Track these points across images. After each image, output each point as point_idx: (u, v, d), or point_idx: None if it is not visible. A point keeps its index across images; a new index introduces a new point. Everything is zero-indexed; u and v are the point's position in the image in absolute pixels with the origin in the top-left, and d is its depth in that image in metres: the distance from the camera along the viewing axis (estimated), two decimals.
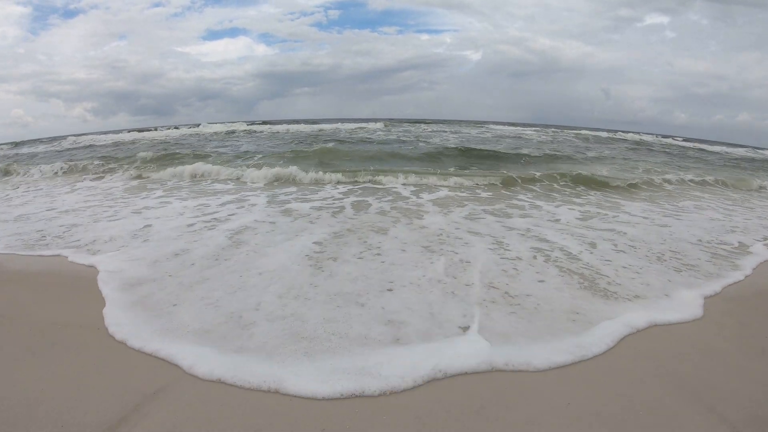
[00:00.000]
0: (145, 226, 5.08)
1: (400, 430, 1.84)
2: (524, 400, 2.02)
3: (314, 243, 4.39)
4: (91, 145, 18.43)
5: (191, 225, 5.14)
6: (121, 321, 2.78)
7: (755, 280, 3.65)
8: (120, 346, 2.48)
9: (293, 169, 8.86)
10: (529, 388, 2.11)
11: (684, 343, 2.58)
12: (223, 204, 6.50)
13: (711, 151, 21.17)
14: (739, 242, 4.86)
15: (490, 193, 7.74)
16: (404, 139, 18.35)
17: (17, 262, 3.95)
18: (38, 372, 2.23)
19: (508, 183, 8.45)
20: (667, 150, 19.94)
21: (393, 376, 2.19)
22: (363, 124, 26.65)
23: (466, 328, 2.66)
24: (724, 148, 23.68)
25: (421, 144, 16.05)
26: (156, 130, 25.95)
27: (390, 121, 29.72)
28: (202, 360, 2.32)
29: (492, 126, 29.37)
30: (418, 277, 3.47)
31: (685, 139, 27.89)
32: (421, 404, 2.00)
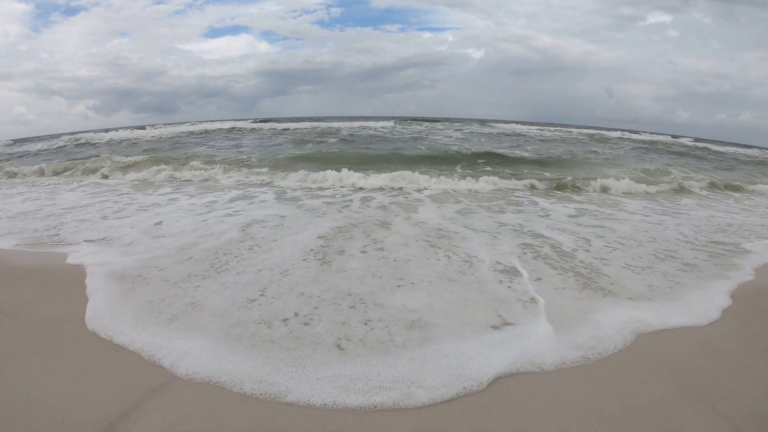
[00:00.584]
0: (156, 223, 5.11)
1: (404, 417, 1.84)
2: (528, 398, 2.02)
3: (319, 237, 4.45)
4: (80, 143, 17.77)
5: (205, 221, 5.19)
6: (103, 315, 2.78)
7: (759, 280, 3.64)
8: (120, 343, 2.47)
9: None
10: (533, 386, 2.11)
11: (687, 342, 2.57)
12: (232, 200, 6.60)
13: (718, 151, 20.69)
14: (740, 242, 4.84)
15: (493, 187, 7.90)
16: (414, 137, 17.71)
17: (20, 258, 3.94)
18: (39, 369, 2.23)
19: (535, 188, 8.25)
20: (686, 151, 19.13)
21: (438, 385, 2.09)
22: (371, 123, 25.72)
23: (496, 327, 2.65)
24: (736, 149, 23.17)
25: (437, 145, 15.18)
26: (153, 127, 25.70)
27: (398, 120, 29.24)
28: (185, 361, 2.28)
29: (496, 124, 28.88)
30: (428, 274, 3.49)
31: (696, 139, 27.24)
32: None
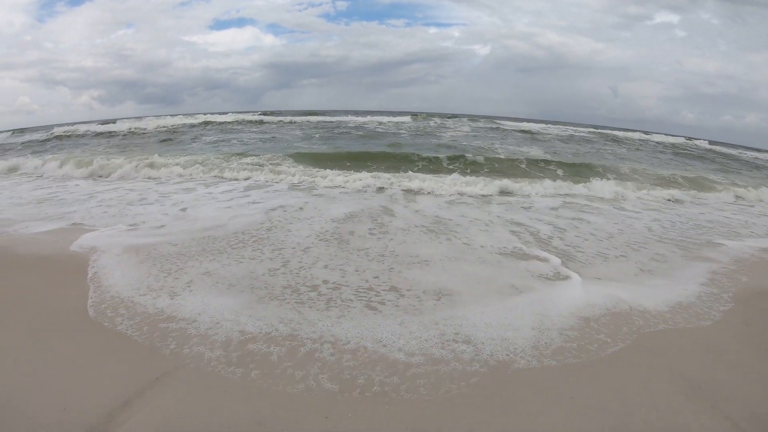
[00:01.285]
0: (182, 209, 5.27)
1: (404, 412, 1.84)
2: (529, 392, 2.03)
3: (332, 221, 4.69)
4: (62, 136, 16.53)
5: (229, 207, 5.39)
6: (118, 281, 2.97)
7: (760, 281, 3.64)
8: (124, 332, 2.45)
9: None
10: (534, 381, 2.11)
11: (688, 341, 2.57)
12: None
13: (732, 155, 19.19)
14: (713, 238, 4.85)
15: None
16: (445, 137, 15.55)
17: (24, 246, 3.89)
18: (42, 356, 2.22)
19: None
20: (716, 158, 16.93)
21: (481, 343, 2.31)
22: (383, 117, 23.78)
23: (517, 293, 2.96)
24: (748, 152, 22.24)
25: (473, 148, 12.84)
26: (139, 118, 24.06)
27: (413, 115, 28.28)
28: (205, 316, 2.48)
29: (504, 122, 27.71)
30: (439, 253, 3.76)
31: (711, 142, 26.38)
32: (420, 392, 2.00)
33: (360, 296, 2.81)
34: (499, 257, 3.71)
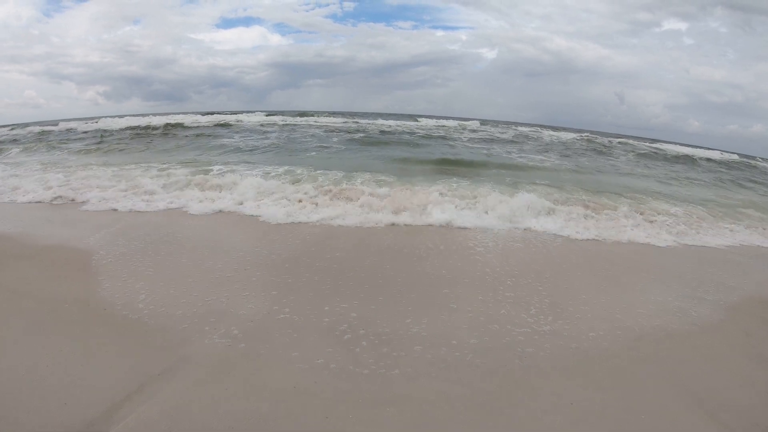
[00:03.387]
0: None
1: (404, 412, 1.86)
2: (529, 397, 2.04)
3: None
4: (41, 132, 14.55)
5: None
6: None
7: (761, 291, 3.66)
8: (126, 325, 2.48)
9: None
10: (533, 385, 2.13)
11: (688, 348, 2.58)
12: None
13: None
14: None
15: None
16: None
17: (27, 238, 3.93)
18: (44, 348, 2.22)
19: None
20: None
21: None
22: (432, 120, 22.21)
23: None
24: None
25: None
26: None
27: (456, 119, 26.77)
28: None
29: (519, 127, 26.27)
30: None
31: (741, 155, 25.43)
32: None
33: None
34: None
